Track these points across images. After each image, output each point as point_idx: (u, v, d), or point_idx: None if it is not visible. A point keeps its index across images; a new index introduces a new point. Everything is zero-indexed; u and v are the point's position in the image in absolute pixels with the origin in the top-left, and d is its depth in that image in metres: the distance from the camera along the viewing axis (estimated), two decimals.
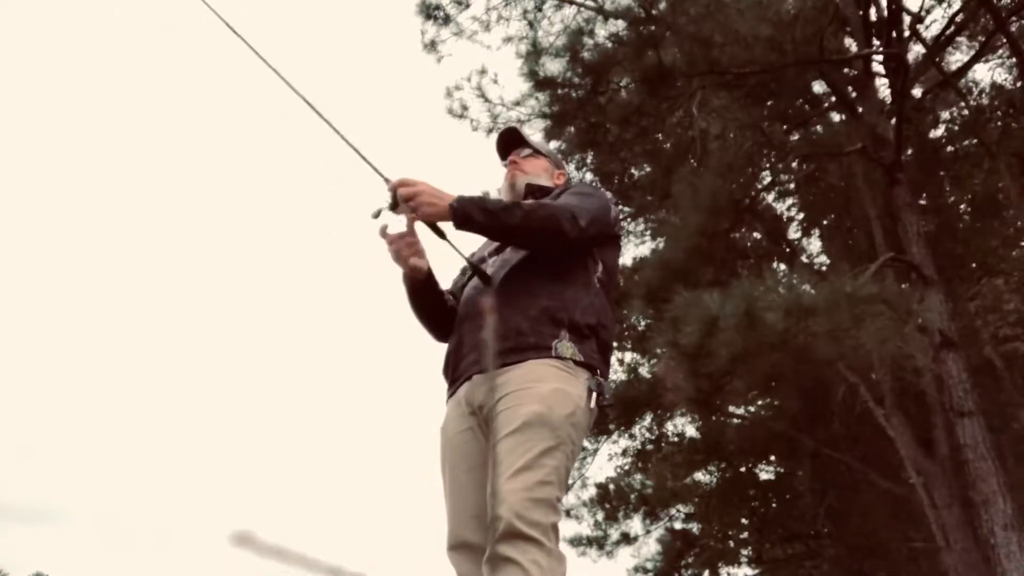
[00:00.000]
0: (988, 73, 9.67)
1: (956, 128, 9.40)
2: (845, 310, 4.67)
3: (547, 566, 1.48)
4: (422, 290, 1.97)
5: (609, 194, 2.06)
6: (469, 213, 1.73)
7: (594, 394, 1.72)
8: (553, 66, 6.88)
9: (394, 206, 1.80)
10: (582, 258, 1.87)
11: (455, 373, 1.90)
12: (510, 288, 1.83)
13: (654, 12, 6.50)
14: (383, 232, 1.86)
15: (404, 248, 1.87)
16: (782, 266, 9.68)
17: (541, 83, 6.74)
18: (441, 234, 1.83)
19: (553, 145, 8.85)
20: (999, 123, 8.72)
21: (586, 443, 11.07)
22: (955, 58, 9.41)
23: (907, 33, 7.54)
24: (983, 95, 9.20)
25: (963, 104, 9.10)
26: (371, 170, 1.85)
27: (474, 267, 1.91)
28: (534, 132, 8.49)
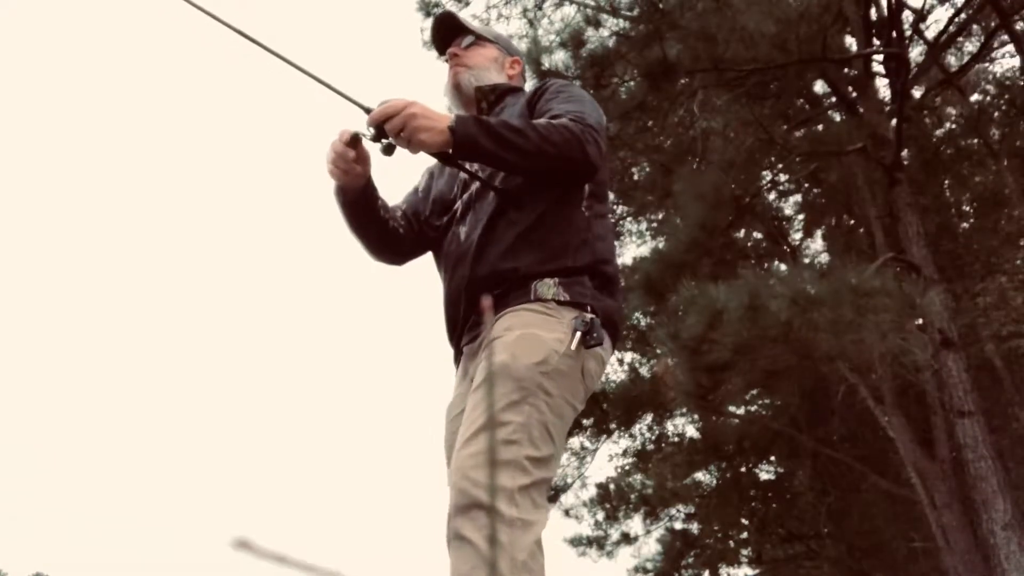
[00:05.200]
0: (990, 72, 9.67)
1: (958, 127, 9.41)
2: (848, 302, 4.66)
3: (507, 540, 1.27)
4: (358, 205, 1.69)
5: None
6: (474, 139, 1.47)
7: (578, 334, 1.46)
8: (557, 57, 6.88)
9: (379, 139, 1.51)
10: (567, 187, 1.62)
11: (455, 342, 1.72)
12: (488, 252, 1.59)
13: (661, 5, 6.51)
14: (337, 146, 1.58)
15: (352, 169, 1.60)
16: (783, 266, 9.69)
17: (544, 75, 6.73)
18: (446, 160, 1.56)
19: None
20: (1002, 122, 8.72)
21: (586, 443, 11.07)
22: (956, 58, 9.41)
23: (908, 32, 7.54)
24: (986, 94, 9.20)
25: (962, 104, 9.11)
26: (347, 103, 1.54)
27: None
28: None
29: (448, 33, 1.90)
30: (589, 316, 1.50)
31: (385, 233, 1.76)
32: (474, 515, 1.30)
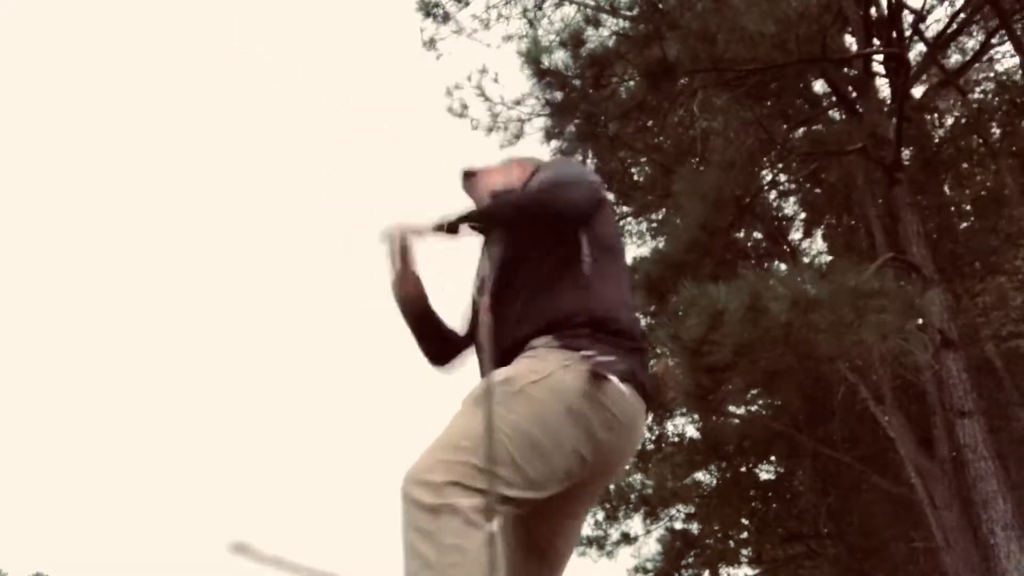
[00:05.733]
0: (990, 72, 9.66)
1: (958, 127, 9.41)
2: (848, 304, 4.66)
3: (433, 527, 1.29)
4: (424, 318, 1.85)
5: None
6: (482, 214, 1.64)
7: (573, 366, 1.47)
8: (556, 56, 6.88)
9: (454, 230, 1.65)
10: (565, 249, 1.65)
11: None
12: (495, 335, 1.65)
13: (661, 5, 6.51)
14: (396, 258, 1.76)
15: (412, 280, 1.79)
16: (783, 266, 9.69)
17: (543, 73, 6.72)
18: (452, 229, 1.65)
19: (553, 144, 8.86)
20: (1002, 122, 8.72)
21: None
22: (960, 55, 9.42)
23: (908, 32, 7.54)
24: (986, 94, 9.20)
25: (962, 103, 9.10)
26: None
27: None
28: (533, 132, 8.55)
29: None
30: (589, 352, 1.49)
31: (446, 349, 1.89)
32: (404, 511, 1.33)
